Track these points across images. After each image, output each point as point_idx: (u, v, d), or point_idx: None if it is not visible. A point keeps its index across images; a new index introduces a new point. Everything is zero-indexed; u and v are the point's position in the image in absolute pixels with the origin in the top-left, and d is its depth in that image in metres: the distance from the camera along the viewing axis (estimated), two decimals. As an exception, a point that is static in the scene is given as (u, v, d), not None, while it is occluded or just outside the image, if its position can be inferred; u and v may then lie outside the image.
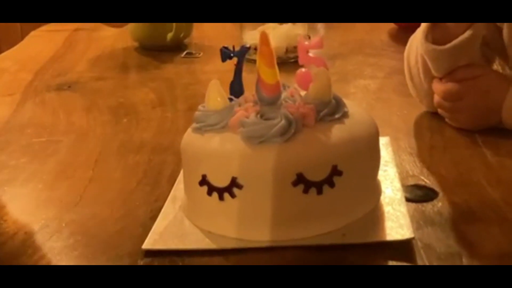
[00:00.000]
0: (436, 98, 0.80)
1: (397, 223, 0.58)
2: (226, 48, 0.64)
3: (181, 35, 1.22)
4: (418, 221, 0.59)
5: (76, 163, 0.76)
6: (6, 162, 0.76)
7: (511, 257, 0.54)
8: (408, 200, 0.62)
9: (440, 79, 0.79)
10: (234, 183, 0.56)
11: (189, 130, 0.62)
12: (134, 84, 1.05)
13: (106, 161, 0.76)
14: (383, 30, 1.29)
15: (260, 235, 0.57)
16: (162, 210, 0.63)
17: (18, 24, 2.30)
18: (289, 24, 1.12)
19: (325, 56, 0.95)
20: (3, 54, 1.23)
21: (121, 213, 0.64)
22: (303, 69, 0.64)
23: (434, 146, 0.76)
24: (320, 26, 1.37)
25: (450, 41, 0.75)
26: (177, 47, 1.22)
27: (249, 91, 0.62)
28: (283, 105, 0.60)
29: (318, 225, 0.57)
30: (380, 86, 0.98)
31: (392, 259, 0.54)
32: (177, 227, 0.60)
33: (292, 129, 0.57)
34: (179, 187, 0.66)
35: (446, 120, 0.80)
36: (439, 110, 0.81)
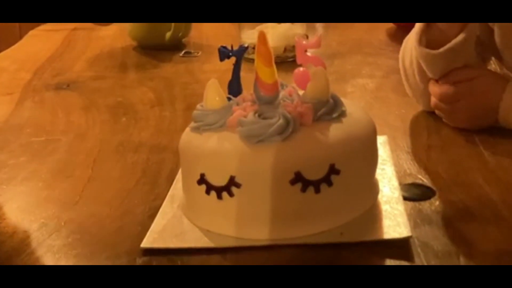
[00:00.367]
0: (433, 100, 0.80)
1: (394, 221, 0.58)
2: (224, 47, 0.64)
3: (180, 34, 1.23)
4: (415, 220, 0.60)
5: (75, 162, 0.76)
6: (5, 161, 0.76)
7: (508, 255, 0.54)
8: (405, 198, 0.63)
9: (436, 81, 0.79)
10: (232, 182, 0.56)
11: (188, 129, 0.63)
12: (132, 83, 1.05)
13: (105, 160, 0.76)
14: (381, 29, 1.30)
15: (258, 233, 0.57)
16: (161, 209, 0.63)
17: (16, 23, 2.30)
18: (288, 24, 1.12)
19: (323, 55, 0.95)
20: (1, 53, 1.23)
21: (119, 212, 0.64)
22: (301, 68, 0.64)
23: (431, 145, 0.76)
24: (318, 25, 1.38)
25: (444, 43, 0.75)
26: (175, 46, 1.22)
27: (247, 90, 0.63)
28: (281, 104, 0.60)
29: (316, 223, 0.57)
30: (378, 85, 0.98)
31: (390, 258, 0.55)
32: (176, 225, 0.60)
33: (290, 128, 0.57)
34: (177, 186, 0.66)
35: (444, 120, 0.81)
36: (437, 111, 0.81)
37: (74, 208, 0.66)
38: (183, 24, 1.22)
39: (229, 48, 0.64)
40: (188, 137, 0.61)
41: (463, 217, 0.60)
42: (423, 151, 0.74)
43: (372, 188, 0.63)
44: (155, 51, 1.20)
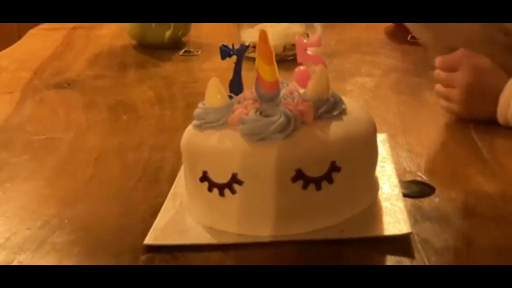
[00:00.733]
0: (436, 71, 0.81)
1: (394, 218, 0.59)
2: (225, 46, 0.65)
3: (179, 33, 1.23)
4: (415, 216, 0.60)
5: (77, 161, 0.76)
6: (7, 159, 0.77)
7: (507, 252, 0.55)
8: (405, 195, 0.63)
9: None
10: (234, 179, 0.56)
11: (189, 127, 0.63)
12: (132, 82, 1.05)
13: (106, 159, 0.77)
14: (380, 28, 1.30)
15: (260, 230, 0.57)
16: (163, 206, 0.63)
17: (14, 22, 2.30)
18: (287, 23, 1.13)
19: (322, 54, 0.96)
20: (1, 52, 1.23)
21: (122, 209, 0.65)
22: (301, 67, 0.65)
23: (430, 143, 0.77)
24: (317, 24, 1.38)
25: None
26: (175, 45, 1.22)
27: (248, 88, 0.63)
28: (282, 103, 0.60)
29: (317, 220, 0.58)
30: (377, 84, 0.99)
31: (390, 254, 0.55)
32: (178, 222, 0.61)
33: (291, 126, 0.57)
34: (179, 183, 0.67)
35: (441, 103, 0.81)
36: (436, 88, 0.82)
37: (77, 206, 0.66)
38: (182, 24, 1.23)
39: (230, 47, 0.65)
40: (190, 135, 0.62)
41: (462, 214, 0.61)
42: (422, 149, 0.75)
43: (372, 186, 0.63)
44: (155, 50, 1.20)
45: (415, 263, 0.54)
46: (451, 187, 0.66)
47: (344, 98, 0.63)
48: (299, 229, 0.57)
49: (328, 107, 0.60)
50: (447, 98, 0.80)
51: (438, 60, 0.81)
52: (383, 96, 0.94)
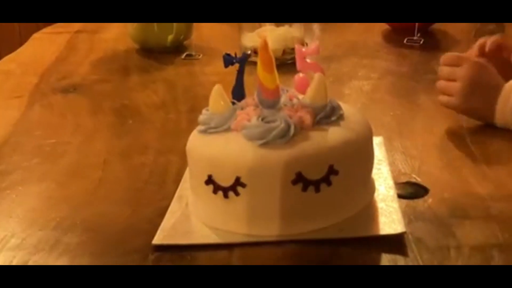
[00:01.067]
0: (440, 67, 0.85)
1: (390, 218, 0.62)
2: (228, 55, 0.68)
3: (181, 37, 1.26)
4: (409, 216, 0.63)
5: (86, 164, 0.79)
6: (19, 163, 0.80)
7: (495, 249, 0.58)
8: (400, 196, 0.67)
9: None
10: (238, 182, 0.60)
11: (194, 132, 0.66)
12: (136, 86, 1.08)
13: (114, 162, 0.80)
14: (376, 31, 1.32)
15: (262, 230, 0.61)
16: (169, 208, 0.66)
17: (16, 26, 2.32)
18: (286, 27, 1.16)
19: (320, 58, 0.99)
20: (7, 57, 1.26)
21: (130, 211, 0.68)
22: (300, 74, 0.68)
23: (425, 145, 0.80)
24: (315, 27, 1.41)
25: None
26: (177, 49, 1.25)
27: (249, 92, 0.66)
28: (283, 109, 0.64)
29: (316, 220, 0.61)
30: (373, 87, 1.01)
31: (385, 252, 0.59)
32: (184, 223, 0.64)
33: (291, 131, 0.61)
34: (184, 186, 0.70)
35: (440, 98, 0.83)
36: (437, 84, 0.84)
37: (87, 207, 0.69)
38: (184, 27, 1.25)
39: (233, 55, 0.68)
40: (195, 140, 0.65)
41: (454, 214, 0.64)
42: (416, 151, 0.78)
43: (369, 187, 0.66)
44: (157, 53, 1.23)
45: (408, 261, 0.57)
46: (444, 188, 0.69)
47: (341, 103, 0.66)
48: (300, 229, 0.61)
49: (326, 113, 0.63)
50: (447, 92, 0.83)
51: (443, 57, 0.85)
52: (379, 99, 0.97)
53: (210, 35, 1.35)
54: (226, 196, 0.61)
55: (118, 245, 0.62)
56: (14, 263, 0.60)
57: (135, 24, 1.24)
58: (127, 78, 1.13)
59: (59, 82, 1.10)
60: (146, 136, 0.87)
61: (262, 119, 0.62)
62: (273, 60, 0.63)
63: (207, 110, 0.66)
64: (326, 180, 0.60)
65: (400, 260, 0.58)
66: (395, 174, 0.72)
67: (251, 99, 0.66)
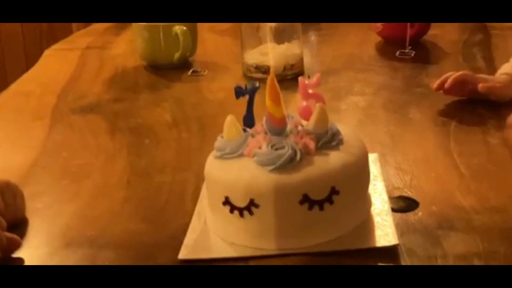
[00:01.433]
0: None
1: (384, 231, 0.71)
2: (239, 87, 0.76)
3: (187, 54, 1.33)
4: (402, 229, 0.72)
5: (110, 184, 0.87)
6: (51, 184, 0.88)
7: (475, 256, 0.67)
8: (393, 210, 0.75)
9: None
10: (252, 203, 0.68)
11: (211, 157, 0.75)
12: (148, 104, 1.15)
13: (135, 181, 0.88)
14: (371, 43, 1.37)
15: (273, 244, 0.69)
16: (190, 225, 0.75)
17: (21, 43, 2.38)
18: (286, 44, 1.24)
19: (319, 71, 1.06)
20: (25, 76, 1.33)
21: (154, 228, 0.76)
22: (304, 103, 0.77)
23: (416, 160, 0.88)
24: (313, 39, 1.49)
25: None
26: (183, 65, 1.32)
27: (258, 117, 0.74)
28: (289, 135, 0.72)
29: (320, 235, 0.70)
30: (368, 103, 1.09)
31: (381, 262, 0.67)
32: (205, 239, 0.73)
33: (297, 157, 0.69)
34: (202, 204, 0.79)
35: (480, 87, 0.96)
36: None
37: (115, 225, 0.77)
38: (190, 44, 1.32)
39: (243, 87, 0.76)
40: (212, 165, 0.73)
41: (441, 226, 0.73)
42: (408, 166, 0.86)
43: (366, 203, 0.75)
44: (164, 70, 1.29)
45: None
46: (433, 201, 0.77)
47: (339, 125, 0.74)
48: (306, 243, 0.69)
49: (328, 139, 0.72)
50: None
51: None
52: (374, 115, 1.04)
53: (213, 50, 1.42)
54: (241, 215, 0.69)
55: (147, 260, 0.71)
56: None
57: (143, 42, 1.31)
58: (139, 96, 1.19)
59: (75, 102, 1.17)
60: (162, 156, 0.95)
61: (272, 146, 0.70)
62: (280, 93, 0.71)
63: (222, 137, 0.74)
64: (329, 199, 0.69)
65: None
66: (389, 188, 0.80)
67: (259, 125, 0.75)
